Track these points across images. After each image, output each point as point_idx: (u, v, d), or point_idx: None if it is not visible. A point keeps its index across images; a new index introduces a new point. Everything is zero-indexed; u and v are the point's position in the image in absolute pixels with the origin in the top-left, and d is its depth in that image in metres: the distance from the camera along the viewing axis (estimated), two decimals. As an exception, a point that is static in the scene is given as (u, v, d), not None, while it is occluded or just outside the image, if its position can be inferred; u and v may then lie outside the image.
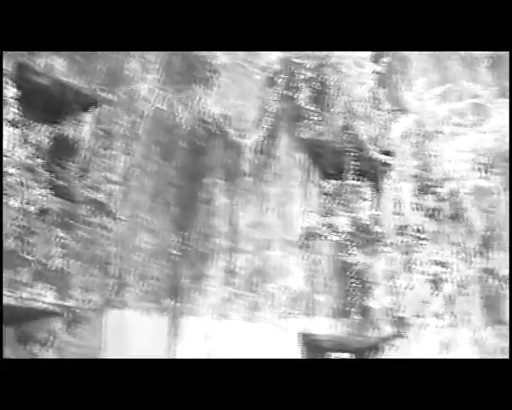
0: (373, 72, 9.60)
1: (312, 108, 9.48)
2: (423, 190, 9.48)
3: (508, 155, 9.29)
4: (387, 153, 9.54)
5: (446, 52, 9.79)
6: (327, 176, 9.63)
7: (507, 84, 9.72)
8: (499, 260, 9.31)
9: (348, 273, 9.29)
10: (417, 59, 9.83)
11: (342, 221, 9.42)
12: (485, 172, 9.42)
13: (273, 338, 9.03)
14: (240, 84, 9.54)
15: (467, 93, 9.67)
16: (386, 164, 9.52)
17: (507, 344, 9.21)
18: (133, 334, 9.13)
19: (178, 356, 9.12)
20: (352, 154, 9.48)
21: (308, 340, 9.26)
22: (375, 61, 9.58)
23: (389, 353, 9.36)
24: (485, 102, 9.60)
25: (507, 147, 9.29)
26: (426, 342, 9.28)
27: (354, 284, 9.26)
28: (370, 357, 9.48)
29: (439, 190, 9.45)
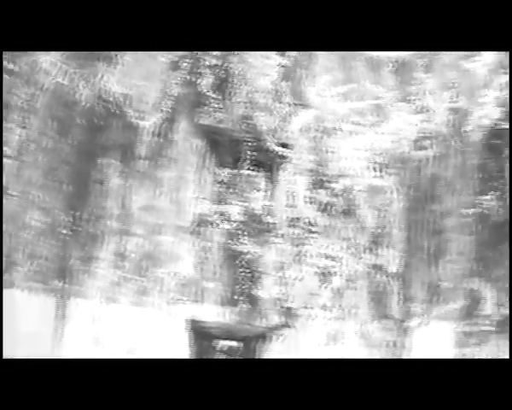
0: (278, 64, 9.61)
1: (214, 96, 9.44)
2: (318, 184, 9.56)
3: (404, 156, 9.49)
4: (285, 145, 9.58)
5: (352, 52, 9.86)
6: (223, 164, 9.58)
7: (409, 89, 9.90)
8: (388, 256, 9.47)
9: (238, 262, 9.28)
10: (323, 56, 9.90)
11: (235, 210, 9.39)
12: (380, 171, 9.57)
13: (161, 324, 8.96)
14: (144, 65, 9.43)
15: (369, 94, 9.80)
16: (282, 156, 9.55)
17: (392, 338, 9.40)
18: (20, 314, 8.94)
19: (66, 338, 9.00)
20: (250, 144, 9.47)
21: (196, 327, 9.20)
22: (282, 54, 9.60)
23: (277, 343, 9.39)
24: (385, 104, 9.74)
25: (403, 149, 9.48)
26: (313, 333, 9.36)
27: (243, 273, 9.25)
28: (258, 346, 9.49)
29: (333, 185, 9.55)
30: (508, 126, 9.20)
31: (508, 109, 9.09)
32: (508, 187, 9.26)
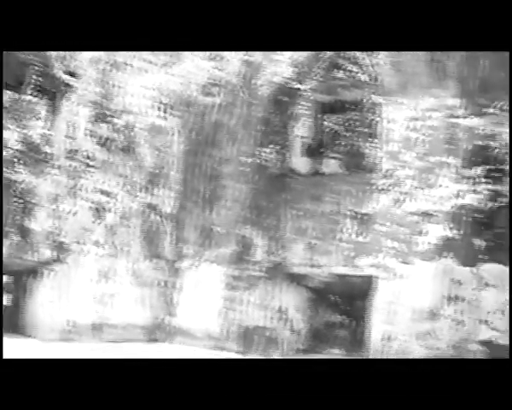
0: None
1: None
2: (100, 118, 9.47)
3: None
4: (72, 74, 9.37)
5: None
6: (5, 87, 9.21)
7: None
8: (163, 197, 9.62)
9: (12, 192, 9.00)
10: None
11: (12, 137, 9.09)
12: (164, 111, 9.64)
13: None
14: None
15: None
16: (68, 85, 9.35)
17: (164, 278, 9.61)
18: None
19: None
20: (36, 68, 9.17)
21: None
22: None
23: (48, 279, 9.29)
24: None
25: (189, 92, 9.60)
26: (85, 269, 9.35)
27: (16, 204, 9.00)
28: (29, 281, 9.34)
29: (115, 120, 9.51)
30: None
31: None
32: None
